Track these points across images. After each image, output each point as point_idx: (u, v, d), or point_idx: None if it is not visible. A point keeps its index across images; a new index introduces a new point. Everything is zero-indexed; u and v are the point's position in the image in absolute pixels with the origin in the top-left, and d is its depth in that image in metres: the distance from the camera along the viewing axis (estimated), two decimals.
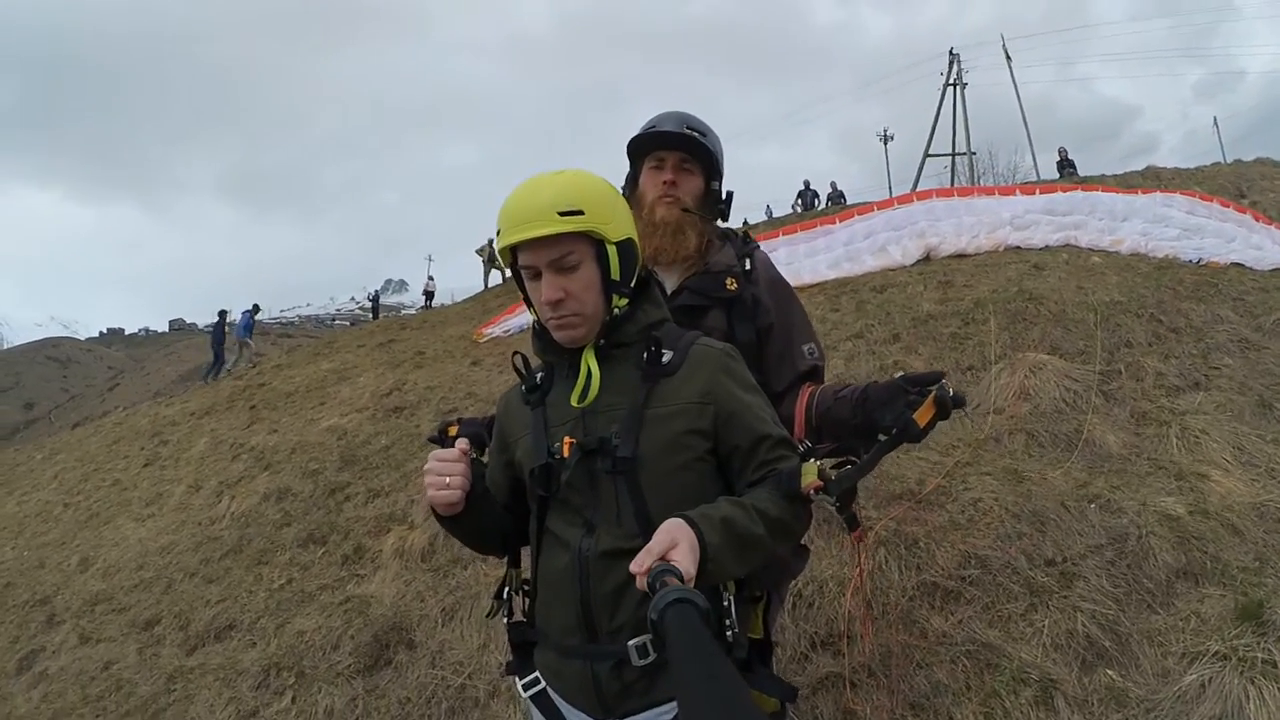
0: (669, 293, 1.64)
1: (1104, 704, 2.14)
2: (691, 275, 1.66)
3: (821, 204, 20.11)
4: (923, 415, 1.27)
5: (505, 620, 1.40)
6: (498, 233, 1.26)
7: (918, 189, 19.53)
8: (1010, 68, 25.69)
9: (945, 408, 1.27)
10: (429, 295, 23.54)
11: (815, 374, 1.67)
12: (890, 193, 22.36)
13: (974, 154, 25.51)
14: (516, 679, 1.35)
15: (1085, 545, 2.75)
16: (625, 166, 1.82)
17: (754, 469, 1.24)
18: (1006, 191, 9.47)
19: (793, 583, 2.38)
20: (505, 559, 1.45)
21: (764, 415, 1.28)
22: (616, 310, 1.29)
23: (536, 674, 1.32)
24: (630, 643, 1.15)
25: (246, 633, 3.98)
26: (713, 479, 1.27)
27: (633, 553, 1.10)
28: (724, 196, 1.77)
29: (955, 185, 20.56)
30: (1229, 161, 15.29)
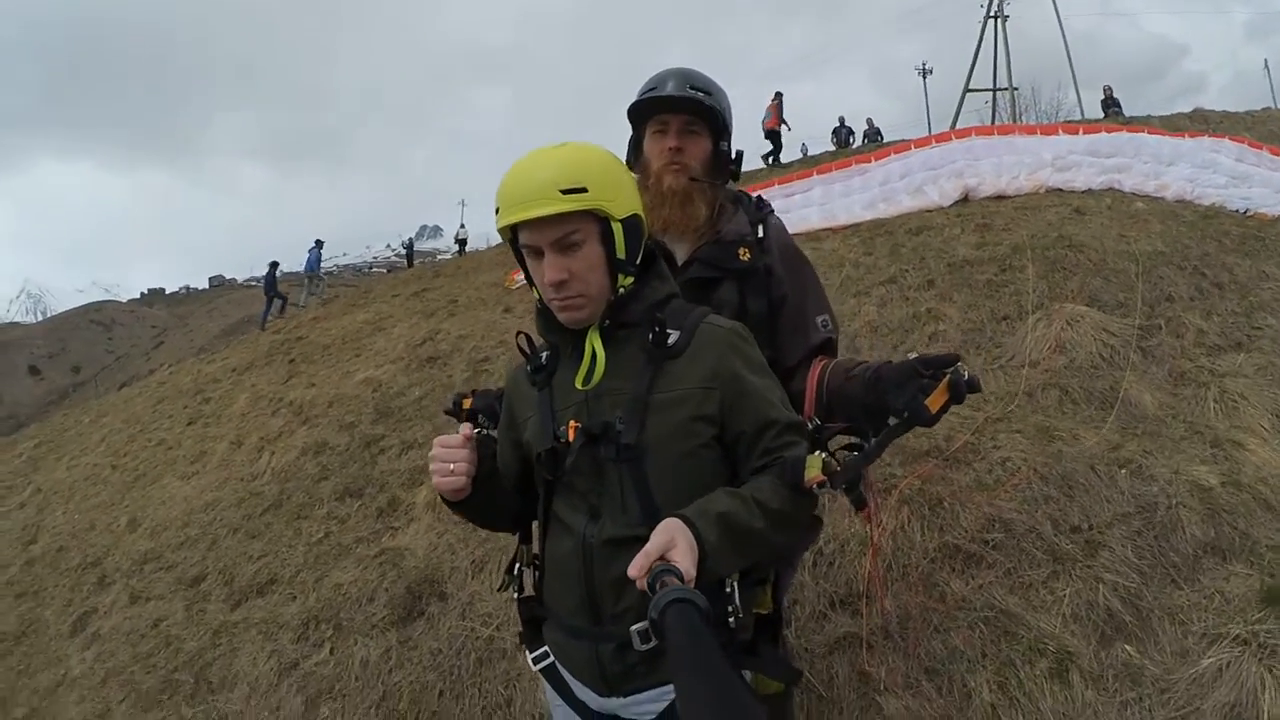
0: (680, 263, 1.59)
1: (1119, 680, 2.14)
2: (703, 245, 1.60)
3: (857, 142, 19.43)
4: (935, 400, 1.23)
5: (516, 595, 1.41)
6: (496, 210, 1.22)
7: (957, 126, 18.71)
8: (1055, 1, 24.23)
9: (959, 392, 1.22)
10: (462, 243, 23.57)
11: (828, 346, 1.62)
12: (929, 130, 21.49)
13: (1016, 90, 24.35)
14: (527, 651, 1.37)
15: (1113, 513, 2.70)
16: None
17: (759, 455, 1.22)
18: (1049, 130, 9.04)
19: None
20: (516, 535, 1.45)
21: (772, 399, 1.25)
22: (622, 289, 1.26)
23: (546, 648, 1.34)
24: (634, 628, 1.14)
25: (287, 586, 4.15)
26: (719, 465, 1.25)
27: (637, 541, 1.10)
28: (733, 156, 1.69)
29: (996, 122, 19.67)
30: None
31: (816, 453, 1.18)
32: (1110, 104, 17.52)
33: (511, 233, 1.24)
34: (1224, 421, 3.36)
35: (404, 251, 24.16)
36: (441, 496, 1.30)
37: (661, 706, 1.22)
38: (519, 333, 1.39)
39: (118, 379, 32.65)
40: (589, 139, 1.32)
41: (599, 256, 1.23)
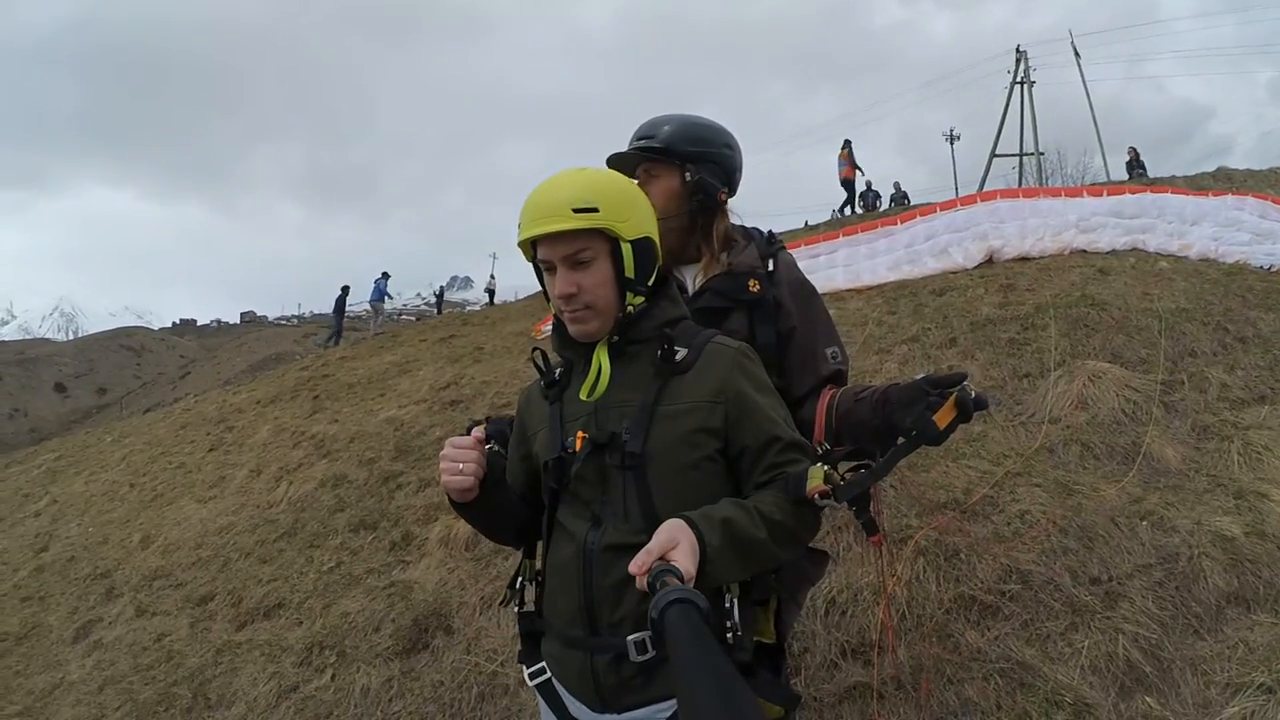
0: (691, 293, 1.64)
1: None
2: (714, 276, 1.64)
3: (884, 205, 19.72)
4: (943, 417, 1.22)
5: (516, 610, 1.42)
6: (519, 227, 1.30)
7: (984, 189, 18.92)
8: (1079, 65, 24.83)
9: (966, 409, 1.22)
10: (491, 293, 24.04)
11: (839, 378, 1.64)
12: (956, 193, 21.74)
13: (1042, 154, 24.66)
14: (524, 667, 1.39)
15: (1133, 564, 2.65)
16: None
17: (762, 471, 1.24)
18: (1073, 193, 9.08)
19: (818, 588, 2.33)
20: (521, 550, 1.48)
21: (775, 417, 1.28)
22: (631, 308, 1.31)
23: (543, 664, 1.35)
24: (629, 638, 1.16)
25: (294, 611, 4.16)
26: (722, 479, 1.27)
27: (638, 548, 1.12)
28: (705, 182, 1.66)
29: (1022, 186, 19.86)
30: None
31: (819, 465, 1.20)
32: (1135, 165, 17.70)
33: (533, 249, 1.31)
34: (1248, 474, 3.28)
35: (434, 299, 24.79)
36: (449, 498, 1.34)
37: None
38: (535, 349, 1.43)
39: (142, 404, 33.23)
40: None
41: (608, 274, 1.28)
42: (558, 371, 1.39)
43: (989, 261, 8.05)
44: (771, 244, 1.72)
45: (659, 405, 1.25)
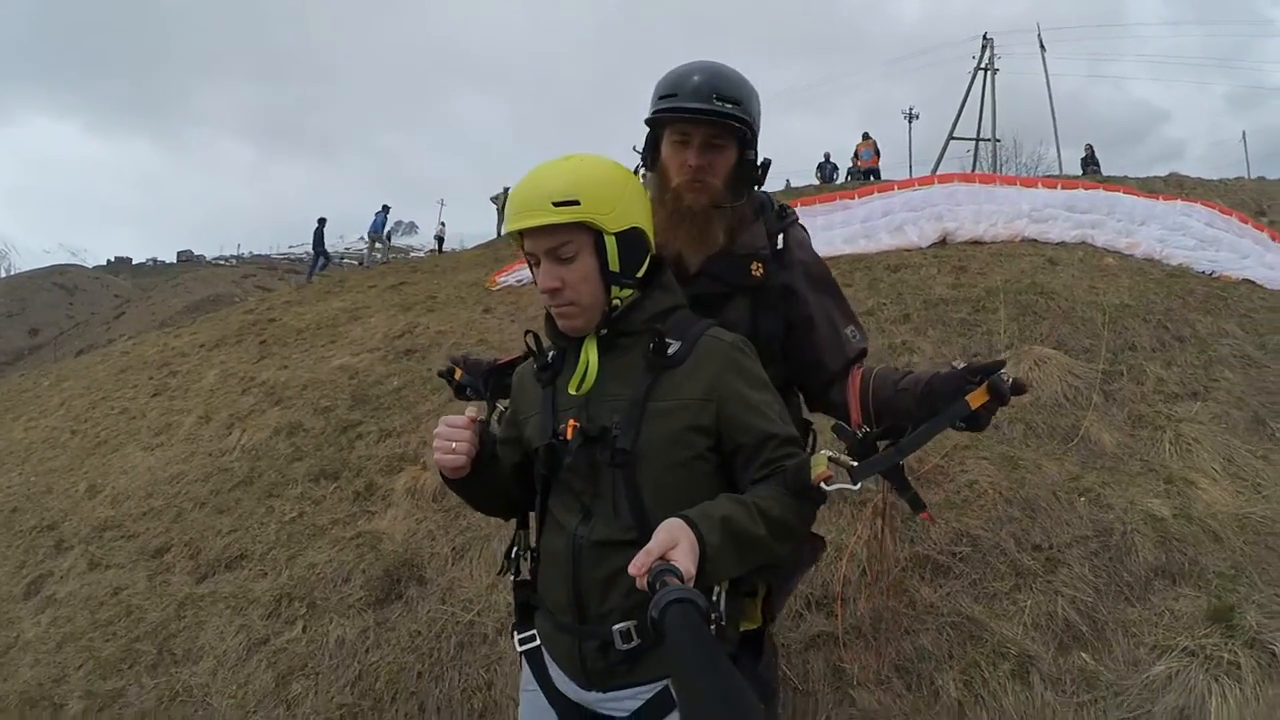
0: (692, 273, 1.52)
1: (1076, 684, 2.30)
2: (713, 257, 1.51)
3: (841, 178, 19.94)
4: (975, 399, 1.21)
5: (512, 578, 1.44)
6: (504, 216, 1.29)
7: (938, 171, 19.31)
8: (1044, 58, 25.36)
9: (1000, 393, 1.20)
10: (440, 240, 23.53)
11: (861, 356, 1.58)
12: (910, 172, 22.16)
13: (998, 141, 25.23)
14: (515, 633, 1.42)
15: (1071, 535, 2.88)
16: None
17: (759, 467, 1.24)
18: (1028, 183, 9.42)
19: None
20: (513, 521, 1.49)
21: (770, 414, 1.27)
22: (618, 301, 1.29)
23: (534, 632, 1.38)
24: (615, 627, 1.20)
25: (258, 563, 4.11)
26: (713, 476, 1.27)
27: (626, 545, 1.17)
28: (759, 164, 1.55)
29: (977, 171, 20.34)
30: (1253, 178, 15.09)
31: (820, 452, 1.21)
32: (1090, 162, 18.26)
33: (520, 239, 1.29)
34: (1178, 462, 3.56)
35: (327, 257, 24.30)
36: (442, 475, 1.35)
37: (637, 704, 1.24)
38: (528, 332, 1.41)
39: (75, 345, 31.58)
40: (575, 150, 1.35)
41: (591, 268, 1.26)
42: (550, 355, 1.37)
43: (943, 242, 8.31)
44: (783, 218, 1.60)
45: (649, 401, 1.24)
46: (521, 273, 10.80)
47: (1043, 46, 25.34)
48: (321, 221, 18.98)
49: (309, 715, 2.92)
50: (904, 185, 9.95)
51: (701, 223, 1.49)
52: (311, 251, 19.13)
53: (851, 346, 1.56)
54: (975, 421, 1.23)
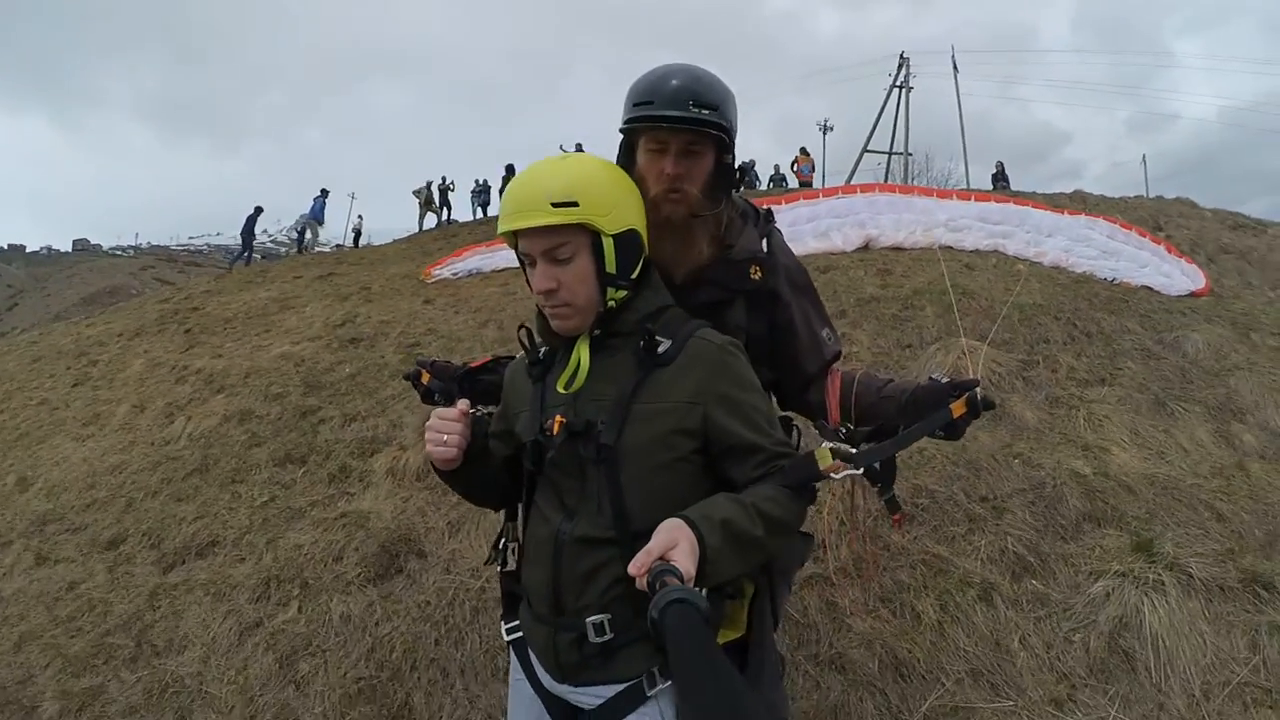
0: (678, 283, 1.49)
1: (1031, 604, 2.72)
2: (710, 265, 1.51)
3: (762, 185, 20.71)
4: (955, 409, 1.31)
5: (500, 569, 1.46)
6: (500, 215, 1.27)
7: (851, 182, 20.38)
8: (956, 79, 26.68)
9: (975, 408, 1.31)
10: (357, 233, 22.92)
11: (835, 359, 1.63)
12: (824, 182, 23.19)
13: (910, 155, 26.67)
14: (503, 622, 1.44)
15: (1011, 488, 3.35)
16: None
17: (753, 466, 1.25)
18: (944, 195, 10.17)
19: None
20: (503, 512, 1.51)
21: (759, 416, 1.29)
22: (613, 302, 1.29)
23: (519, 622, 1.41)
24: (589, 619, 1.22)
25: (232, 549, 4.04)
26: (698, 478, 1.28)
27: (606, 543, 1.22)
28: (737, 168, 1.54)
29: (889, 183, 21.60)
30: (1151, 197, 16.67)
31: (823, 446, 1.26)
32: (1000, 178, 19.56)
33: (514, 239, 1.30)
34: (1092, 434, 4.09)
35: (294, 237, 23.39)
36: (434, 466, 1.37)
37: (600, 701, 1.27)
38: (521, 325, 1.41)
39: None
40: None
41: (588, 269, 1.26)
42: (542, 351, 1.38)
43: (866, 247, 8.94)
44: (768, 222, 1.61)
45: (636, 401, 1.25)
46: (457, 265, 10.84)
47: (955, 68, 26.74)
48: (257, 210, 18.69)
49: (323, 692, 2.92)
50: (828, 193, 10.55)
51: (683, 234, 1.47)
52: (240, 239, 18.81)
53: (828, 349, 1.62)
54: (954, 430, 1.33)
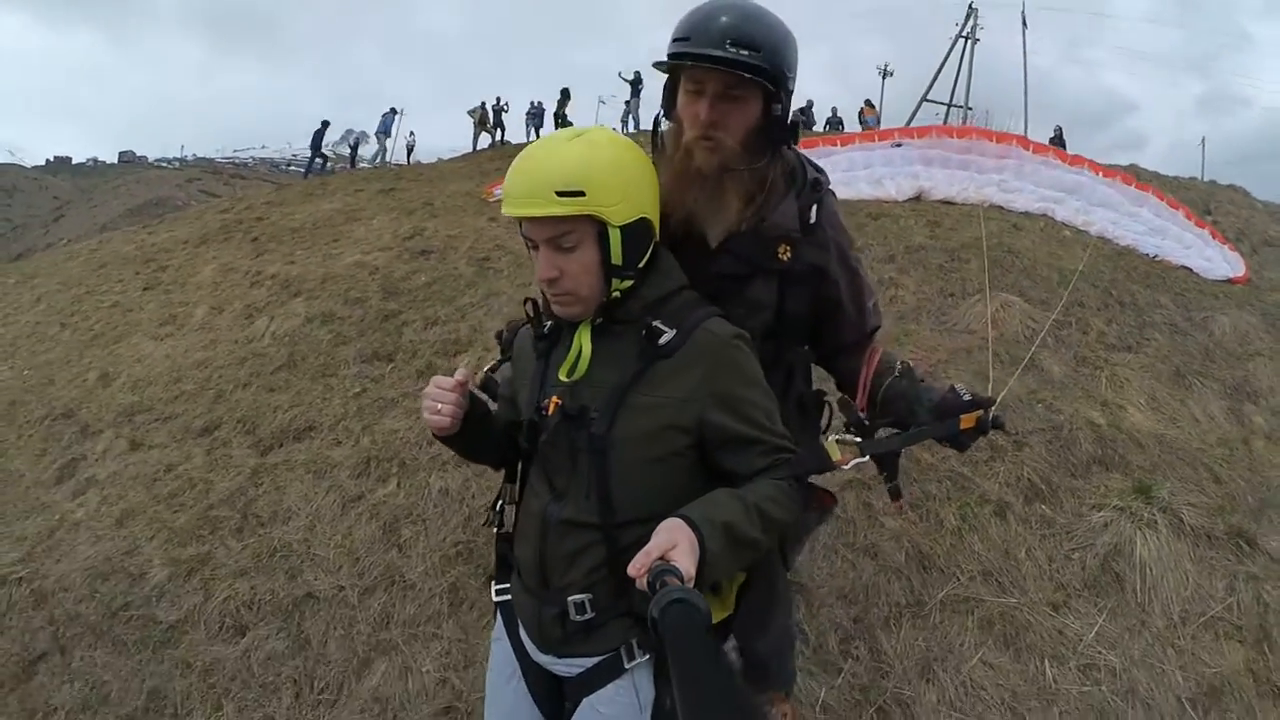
0: (713, 247, 1.43)
1: (1039, 524, 3.14)
2: (737, 235, 1.42)
3: (818, 127, 20.51)
4: (964, 422, 1.39)
5: (495, 531, 1.49)
6: (503, 194, 1.24)
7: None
8: (1024, 36, 25.98)
9: (984, 425, 1.40)
10: (409, 150, 23.23)
11: (875, 331, 1.63)
12: (880, 126, 22.79)
13: (970, 109, 26.00)
14: (494, 583, 1.48)
15: (1032, 426, 3.74)
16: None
17: (758, 455, 1.26)
18: (1004, 139, 9.70)
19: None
20: (502, 473, 1.52)
21: (757, 414, 1.27)
22: (617, 293, 1.27)
23: (510, 587, 1.46)
24: (570, 598, 1.25)
25: (329, 433, 4.41)
26: (690, 473, 1.27)
27: (589, 528, 1.24)
28: (789, 121, 1.41)
29: (949, 125, 21.16)
30: (1205, 180, 16.27)
31: (830, 439, 1.32)
32: (1057, 142, 19.09)
33: (519, 221, 1.26)
34: (1111, 393, 4.39)
35: (349, 150, 23.93)
36: (430, 431, 1.38)
37: (579, 671, 1.31)
38: (527, 300, 1.40)
39: (13, 249, 29.89)
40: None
41: (593, 260, 1.23)
42: (547, 326, 1.36)
43: (918, 198, 9.07)
44: (816, 190, 1.49)
45: (633, 391, 1.24)
46: None
47: (1025, 24, 26.03)
48: (324, 124, 19.72)
49: (424, 554, 3.30)
50: (884, 135, 10.42)
51: (713, 188, 1.38)
52: (309, 151, 20.15)
53: (871, 321, 1.60)
54: (959, 443, 1.41)
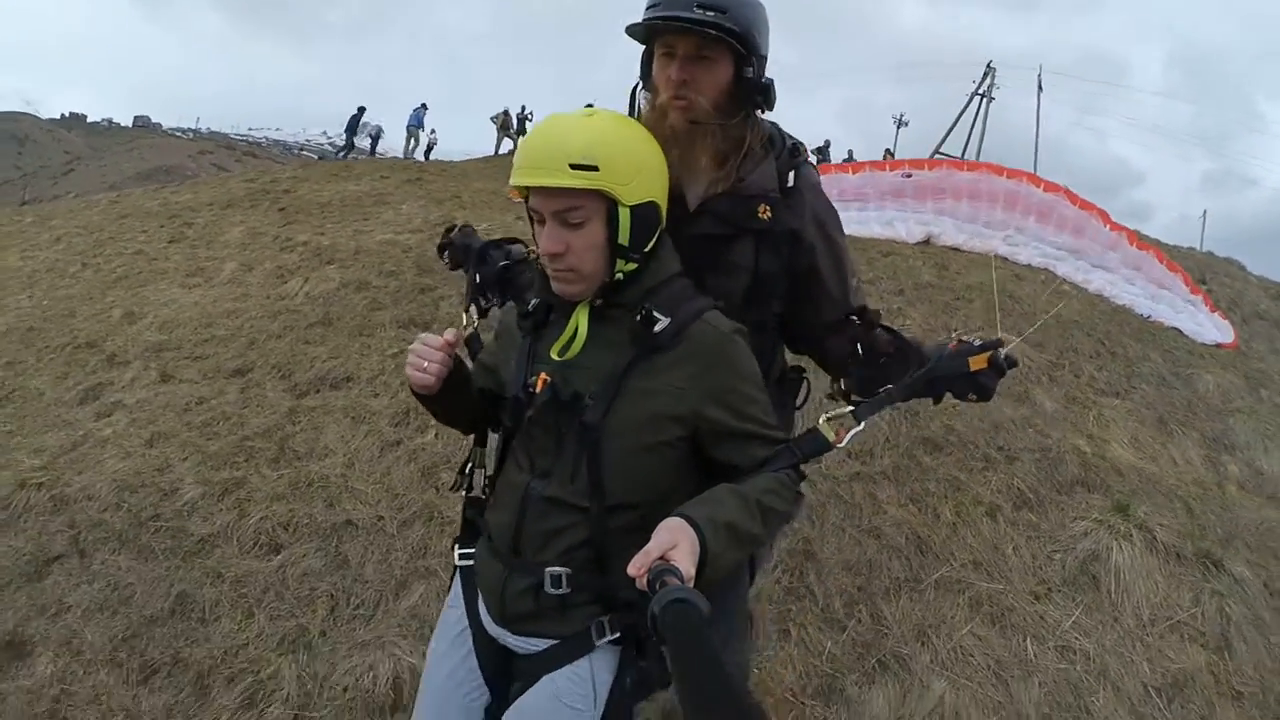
0: (691, 210, 1.45)
1: (1025, 527, 3.46)
2: (717, 196, 1.44)
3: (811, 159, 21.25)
4: (976, 363, 1.37)
5: (465, 494, 1.49)
6: (514, 167, 1.23)
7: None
8: (1039, 98, 26.94)
9: (998, 364, 1.37)
10: (430, 148, 23.63)
11: (863, 312, 1.58)
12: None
13: None
14: (456, 546, 1.46)
15: (1023, 445, 4.08)
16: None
17: (758, 447, 1.26)
18: (1014, 174, 9.78)
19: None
20: (472, 437, 1.52)
21: (753, 409, 1.28)
22: (620, 275, 1.25)
23: (474, 553, 1.43)
24: (548, 569, 1.23)
25: (367, 385, 4.66)
26: (679, 465, 1.27)
27: (574, 508, 1.23)
28: (763, 83, 1.44)
29: (960, 159, 21.63)
30: (1203, 251, 16.89)
31: (822, 420, 1.31)
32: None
33: (525, 191, 1.25)
34: (1097, 429, 4.71)
35: (369, 141, 24.27)
36: (411, 388, 1.37)
37: (536, 650, 1.29)
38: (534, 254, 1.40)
39: (20, 196, 29.96)
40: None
41: (600, 237, 1.21)
42: (532, 304, 1.35)
43: (926, 242, 9.48)
44: (795, 156, 1.50)
45: (628, 379, 1.23)
46: None
47: (1040, 87, 27.00)
48: (361, 110, 20.69)
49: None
50: (895, 165, 10.58)
51: (685, 144, 1.40)
52: (345, 135, 21.22)
53: (855, 298, 1.58)
54: (982, 390, 1.38)
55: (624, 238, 1.21)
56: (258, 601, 3.02)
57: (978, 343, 1.40)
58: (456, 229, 1.93)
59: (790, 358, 1.69)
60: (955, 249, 9.36)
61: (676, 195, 1.38)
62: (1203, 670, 2.82)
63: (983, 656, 2.70)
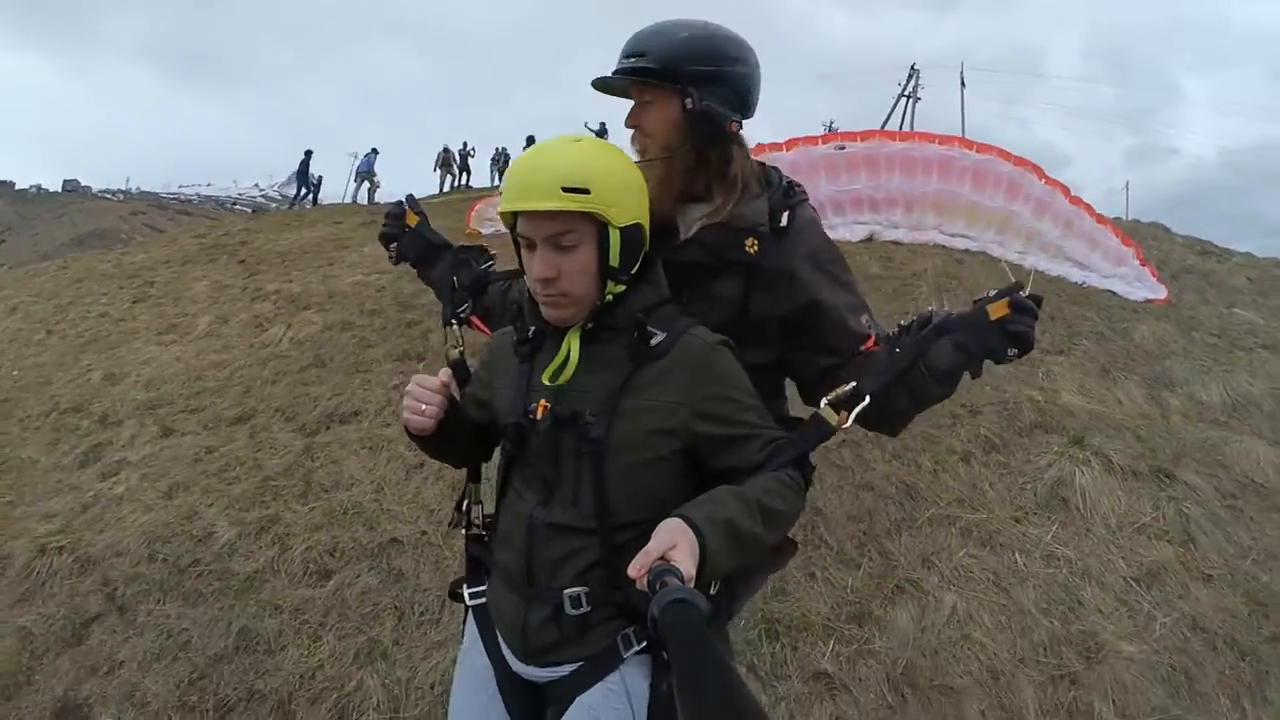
0: (681, 240, 1.46)
1: (997, 466, 3.95)
2: (707, 227, 1.44)
3: None
4: (996, 310, 1.24)
5: (464, 532, 1.48)
6: (502, 194, 1.23)
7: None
8: (962, 95, 28.08)
9: (1022, 306, 1.22)
10: (372, 191, 23.64)
11: (876, 341, 1.46)
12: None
13: None
14: (465, 587, 1.44)
15: (984, 401, 4.58)
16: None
17: (758, 449, 1.26)
18: (946, 140, 9.81)
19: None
20: (466, 473, 1.51)
21: (747, 415, 1.28)
22: (610, 296, 1.26)
23: (485, 588, 1.41)
24: (565, 590, 1.22)
25: (377, 416, 4.78)
26: (678, 478, 1.27)
27: (580, 531, 1.23)
28: (699, 111, 1.40)
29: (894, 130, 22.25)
30: (1129, 219, 18.13)
31: (824, 404, 1.28)
32: None
33: (512, 219, 1.25)
34: (1046, 383, 5.22)
35: (310, 189, 23.97)
36: (405, 427, 1.33)
37: (562, 675, 1.27)
38: (512, 301, 1.40)
39: None
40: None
41: (591, 260, 1.22)
42: (531, 331, 1.34)
43: (869, 239, 10.10)
44: (789, 196, 1.49)
45: (625, 395, 1.24)
46: (500, 224, 11.53)
47: (963, 84, 28.15)
48: (308, 154, 19.99)
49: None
50: (828, 139, 10.22)
51: (649, 184, 1.38)
52: (295, 181, 20.57)
53: (861, 333, 1.46)
54: (1020, 339, 1.22)
55: (615, 259, 1.23)
56: (321, 625, 3.11)
57: (993, 293, 1.29)
58: (403, 214, 1.92)
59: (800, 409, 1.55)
60: (896, 243, 10.03)
61: (668, 225, 1.43)
62: (1172, 561, 3.29)
63: (981, 572, 3.13)
